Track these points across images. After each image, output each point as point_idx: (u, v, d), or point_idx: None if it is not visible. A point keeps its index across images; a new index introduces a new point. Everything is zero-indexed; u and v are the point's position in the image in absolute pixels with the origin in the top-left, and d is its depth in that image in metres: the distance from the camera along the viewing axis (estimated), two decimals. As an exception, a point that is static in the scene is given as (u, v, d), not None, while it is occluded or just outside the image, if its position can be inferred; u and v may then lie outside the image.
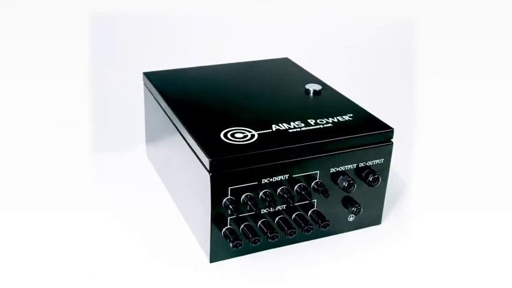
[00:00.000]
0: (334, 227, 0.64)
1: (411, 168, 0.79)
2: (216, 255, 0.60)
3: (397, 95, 0.99)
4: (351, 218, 0.65)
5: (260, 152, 0.58)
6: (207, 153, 0.57)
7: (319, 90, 0.71)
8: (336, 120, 0.65)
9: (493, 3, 0.74)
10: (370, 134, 0.62)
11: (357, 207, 0.63)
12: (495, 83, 0.74)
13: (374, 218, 0.66)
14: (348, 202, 0.63)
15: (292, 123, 0.63)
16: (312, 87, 0.72)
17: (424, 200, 0.72)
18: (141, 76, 0.71)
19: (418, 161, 0.79)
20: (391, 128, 0.63)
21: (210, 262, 0.61)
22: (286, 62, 0.83)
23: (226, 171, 0.57)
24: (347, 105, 0.68)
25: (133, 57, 0.97)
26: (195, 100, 0.69)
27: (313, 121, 0.64)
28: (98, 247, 0.61)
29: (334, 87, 0.73)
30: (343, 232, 0.65)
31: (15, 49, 0.77)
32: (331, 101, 0.70)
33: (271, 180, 0.60)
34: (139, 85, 0.73)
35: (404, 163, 0.80)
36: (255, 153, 0.58)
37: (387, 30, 1.09)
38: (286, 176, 0.60)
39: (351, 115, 0.65)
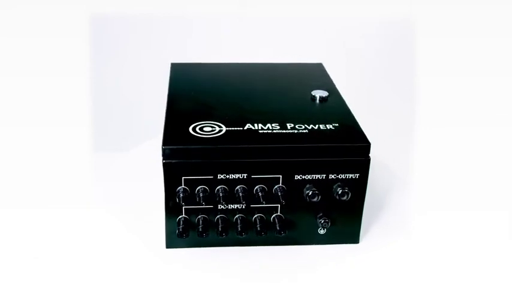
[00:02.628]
0: (303, 238, 0.65)
1: (411, 168, 0.79)
2: (172, 242, 0.64)
3: (397, 95, 0.96)
4: (321, 231, 0.65)
5: (217, 147, 0.61)
6: (163, 141, 0.61)
7: (325, 97, 0.72)
8: (316, 127, 0.65)
9: (493, 3, 0.73)
10: (342, 146, 0.63)
11: (324, 219, 0.63)
12: (495, 83, 0.77)
13: (350, 236, 0.67)
14: (318, 214, 0.64)
15: (268, 125, 0.65)
16: (318, 93, 0.73)
17: (424, 200, 0.73)
18: (141, 76, 0.71)
19: (418, 161, 0.78)
20: (368, 142, 0.63)
21: (166, 248, 0.65)
22: (316, 67, 0.84)
23: (180, 160, 0.61)
24: (341, 114, 0.69)
25: (133, 57, 0.97)
26: (194, 94, 0.73)
27: (292, 125, 0.65)
28: (97, 247, 0.65)
29: (341, 93, 0.75)
30: (313, 244, 0.66)
31: (15, 49, 0.79)
32: (328, 108, 0.71)
33: (227, 177, 0.62)
34: (139, 85, 0.73)
35: (404, 163, 0.82)
36: (211, 147, 0.61)
37: (387, 31, 1.07)
38: (245, 175, 0.62)
39: (337, 124, 0.66)
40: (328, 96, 0.72)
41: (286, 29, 1.16)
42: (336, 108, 0.70)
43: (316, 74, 0.81)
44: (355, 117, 0.67)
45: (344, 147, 0.62)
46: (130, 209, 0.71)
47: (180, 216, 0.63)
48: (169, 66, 0.82)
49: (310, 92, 0.73)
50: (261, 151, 0.61)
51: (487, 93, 0.77)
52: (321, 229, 0.65)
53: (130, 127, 0.84)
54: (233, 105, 0.70)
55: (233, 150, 0.61)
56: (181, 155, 0.60)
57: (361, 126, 0.66)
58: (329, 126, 0.65)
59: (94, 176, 0.78)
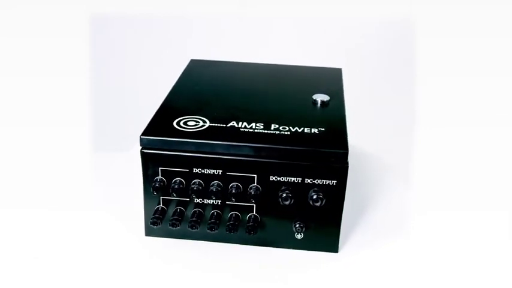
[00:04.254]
0: (280, 241, 0.67)
1: (411, 168, 0.80)
2: (150, 230, 0.68)
3: (397, 95, 0.96)
4: (298, 236, 0.66)
5: (191, 141, 0.63)
6: (143, 131, 0.64)
7: (326, 102, 0.73)
8: (300, 130, 0.66)
9: (493, 3, 0.73)
10: (319, 151, 0.63)
11: (299, 224, 0.65)
12: (495, 83, 0.78)
13: (328, 244, 0.67)
14: (294, 218, 0.65)
15: (252, 124, 0.67)
16: (319, 97, 0.74)
17: (423, 199, 0.74)
18: (141, 76, 0.71)
19: (418, 161, 0.79)
20: (346, 150, 0.63)
21: (146, 235, 0.68)
22: (333, 72, 0.86)
23: (157, 151, 0.64)
24: (333, 119, 0.69)
25: (133, 57, 0.98)
26: (198, 90, 0.77)
27: (276, 126, 0.66)
28: (97, 247, 0.67)
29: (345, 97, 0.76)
30: (290, 248, 0.67)
31: (15, 49, 0.80)
32: (324, 112, 0.72)
33: (203, 171, 0.64)
34: (139, 85, 0.73)
35: (404, 163, 0.84)
36: (186, 140, 0.63)
37: (387, 31, 1.07)
38: (220, 171, 0.64)
39: (323, 129, 0.66)
40: (330, 100, 0.73)
41: (289, 30, 1.16)
42: (331, 113, 0.72)
43: (329, 79, 0.83)
44: (355, 120, 0.71)
45: (321, 152, 0.63)
46: (130, 209, 0.73)
47: (157, 206, 0.66)
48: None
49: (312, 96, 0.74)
50: (236, 148, 0.63)
51: (487, 93, 0.79)
52: (297, 234, 0.66)
53: (130, 127, 0.84)
54: (229, 103, 0.73)
55: (208, 146, 0.63)
56: (158, 146, 0.64)
57: (347, 132, 0.67)
58: (314, 130, 0.66)
59: (94, 176, 0.80)
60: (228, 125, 0.67)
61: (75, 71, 0.89)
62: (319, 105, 0.73)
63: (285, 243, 0.67)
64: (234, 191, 0.63)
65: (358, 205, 0.77)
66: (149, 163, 0.64)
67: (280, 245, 0.67)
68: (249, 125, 0.67)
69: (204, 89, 0.78)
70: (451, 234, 0.69)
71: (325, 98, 0.74)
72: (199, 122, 0.67)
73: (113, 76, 1.06)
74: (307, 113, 0.71)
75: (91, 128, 0.90)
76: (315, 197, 0.63)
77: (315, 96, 0.74)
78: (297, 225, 0.65)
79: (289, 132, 0.66)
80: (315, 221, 0.66)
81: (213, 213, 0.66)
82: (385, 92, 1.00)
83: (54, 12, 0.89)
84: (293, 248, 0.67)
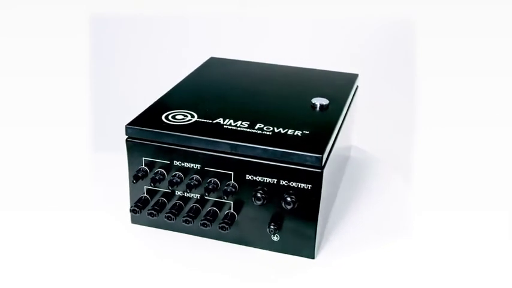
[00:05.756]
0: (256, 241, 0.68)
1: (411, 167, 0.82)
2: (135, 218, 0.71)
3: (397, 94, 1.06)
4: (275, 238, 0.67)
5: (173, 134, 0.65)
6: (131, 121, 0.68)
7: (325, 105, 0.73)
8: (283, 131, 0.67)
9: (493, 3, 0.72)
10: (293, 153, 0.63)
11: (273, 225, 0.65)
12: (495, 83, 0.80)
13: (305, 249, 0.67)
14: (269, 219, 0.66)
15: (238, 122, 0.68)
16: (318, 101, 0.74)
17: (424, 199, 0.75)
18: (141, 76, 0.72)
19: (418, 161, 0.81)
20: (321, 154, 0.62)
21: (131, 223, 0.71)
22: (347, 77, 0.86)
23: (141, 141, 0.66)
24: (323, 123, 0.69)
25: (133, 57, 0.98)
26: (203, 86, 0.79)
27: (261, 126, 0.67)
28: (97, 247, 0.68)
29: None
30: (266, 249, 0.68)
31: (15, 49, 0.81)
32: (318, 116, 0.72)
33: (182, 164, 0.66)
34: (139, 85, 0.73)
35: (404, 163, 0.84)
36: (167, 132, 0.65)
37: (387, 31, 1.06)
38: (198, 166, 0.65)
39: (307, 132, 0.67)
40: (330, 104, 0.74)
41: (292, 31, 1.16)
42: (326, 117, 0.72)
43: (340, 83, 0.83)
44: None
45: (294, 155, 0.63)
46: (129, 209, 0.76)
47: (141, 195, 0.69)
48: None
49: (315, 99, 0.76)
50: (214, 144, 0.65)
51: (487, 93, 0.83)
52: (273, 236, 0.67)
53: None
54: (228, 100, 0.75)
55: (187, 139, 0.65)
56: (141, 136, 0.67)
57: (331, 138, 0.67)
58: (297, 133, 0.67)
59: (94, 176, 0.82)
60: (214, 121, 0.69)
61: (75, 71, 0.90)
62: (318, 108, 0.74)
63: (262, 244, 0.69)
64: (210, 187, 0.65)
65: (358, 205, 0.79)
66: (133, 153, 0.68)
67: (258, 245, 0.69)
68: (234, 122, 0.69)
69: (209, 85, 0.81)
70: (451, 234, 0.70)
71: (325, 101, 0.75)
72: (187, 116, 0.69)
73: (113, 76, 1.08)
74: (299, 116, 0.72)
75: (91, 128, 0.92)
76: (288, 199, 0.64)
77: (314, 100, 0.75)
78: (271, 227, 0.65)
79: (270, 133, 0.67)
80: (291, 225, 0.67)
81: (192, 207, 0.68)
82: (385, 92, 1.00)
83: (54, 12, 0.90)
84: (269, 250, 0.69)
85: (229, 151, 0.65)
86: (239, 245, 0.69)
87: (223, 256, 0.67)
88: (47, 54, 0.91)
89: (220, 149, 0.65)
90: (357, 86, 0.88)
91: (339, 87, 0.82)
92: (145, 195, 0.69)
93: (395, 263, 0.67)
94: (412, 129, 0.89)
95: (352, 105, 0.82)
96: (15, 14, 0.90)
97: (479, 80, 0.80)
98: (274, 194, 0.65)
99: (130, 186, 0.70)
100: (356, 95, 0.87)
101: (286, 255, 0.68)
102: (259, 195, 0.64)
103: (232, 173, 0.65)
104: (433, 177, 0.79)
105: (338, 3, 1.19)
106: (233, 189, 0.65)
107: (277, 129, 0.67)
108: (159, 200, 0.69)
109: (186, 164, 0.66)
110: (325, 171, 0.64)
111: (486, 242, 0.69)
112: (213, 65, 0.89)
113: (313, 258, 0.67)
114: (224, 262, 0.66)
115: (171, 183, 0.66)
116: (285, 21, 1.22)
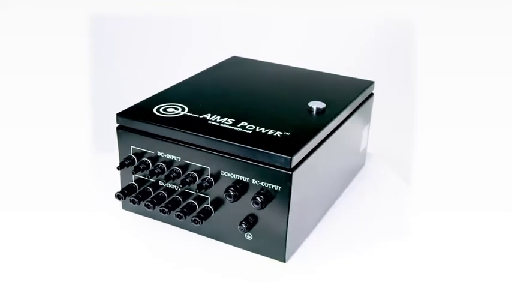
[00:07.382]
0: (231, 238, 0.70)
1: (411, 167, 0.84)
2: (126, 205, 0.76)
3: (397, 94, 1.08)
4: (248, 237, 0.69)
5: (156, 125, 0.68)
6: (121, 111, 0.73)
7: (321, 109, 0.74)
8: (264, 131, 0.68)
9: (493, 3, 0.75)
10: (263, 152, 0.64)
11: (244, 224, 0.66)
12: (495, 83, 0.80)
13: (276, 252, 0.69)
14: (241, 217, 0.68)
15: (224, 119, 0.70)
16: (314, 105, 0.75)
17: (424, 200, 0.76)
18: (141, 76, 0.71)
19: (417, 161, 0.81)
20: (290, 156, 0.63)
21: (122, 209, 0.76)
22: (359, 83, 0.87)
23: (129, 131, 0.71)
24: (309, 125, 0.70)
25: (133, 57, 0.98)
26: (209, 83, 0.82)
27: (244, 124, 0.69)
28: (97, 247, 0.69)
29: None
30: (240, 248, 0.70)
31: (15, 49, 0.82)
32: (309, 119, 0.73)
33: (165, 156, 0.69)
34: (138, 85, 0.73)
35: (404, 163, 0.86)
36: (152, 124, 0.68)
37: (387, 31, 1.09)
38: (179, 158, 0.69)
39: (288, 133, 0.68)
40: (326, 108, 0.76)
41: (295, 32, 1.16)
42: (318, 120, 0.73)
43: (348, 89, 0.84)
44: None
45: (266, 154, 0.64)
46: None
47: (130, 183, 0.73)
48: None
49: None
50: (193, 138, 0.67)
51: (487, 93, 0.82)
52: (246, 234, 0.69)
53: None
54: (225, 98, 0.77)
55: (168, 131, 0.68)
56: (129, 126, 0.71)
57: (310, 140, 0.68)
58: (277, 133, 0.69)
59: (94, 176, 0.84)
60: (201, 116, 0.72)
61: (75, 71, 0.91)
62: (314, 112, 0.75)
63: (236, 242, 0.72)
64: (188, 180, 0.69)
65: (358, 205, 0.80)
66: (122, 141, 0.73)
67: (232, 242, 0.72)
68: (220, 119, 0.71)
69: (216, 83, 0.84)
70: (451, 234, 0.72)
71: (321, 105, 0.77)
72: (177, 110, 0.73)
73: (113, 76, 1.09)
74: (290, 118, 0.74)
75: (91, 128, 0.95)
76: (257, 199, 0.65)
77: (311, 103, 0.77)
78: (242, 225, 0.68)
79: (250, 131, 0.69)
80: (263, 226, 0.69)
81: (173, 198, 0.72)
82: (385, 91, 0.99)
83: (54, 12, 0.91)
84: (243, 248, 0.71)
85: (205, 146, 0.67)
86: (215, 240, 0.71)
87: (196, 248, 0.69)
88: (47, 54, 0.92)
89: (198, 143, 0.68)
90: (371, 93, 0.89)
91: (344, 93, 0.83)
92: (133, 183, 0.74)
93: (395, 263, 0.68)
94: (412, 129, 0.90)
95: (358, 111, 0.83)
96: (15, 14, 0.91)
97: (479, 80, 0.81)
98: (246, 192, 0.67)
99: (120, 175, 0.74)
100: (369, 102, 0.88)
101: (259, 255, 0.70)
102: (230, 192, 0.66)
103: (209, 167, 0.68)
104: (432, 178, 0.80)
105: (338, 3, 1.21)
106: (208, 184, 0.68)
107: (259, 128, 0.69)
108: (145, 189, 0.73)
109: (169, 156, 0.70)
110: (297, 174, 0.65)
111: (485, 242, 0.71)
112: (231, 64, 0.92)
113: (284, 261, 0.69)
114: (194, 254, 0.68)
115: (152, 173, 0.70)
116: (293, 22, 1.23)
